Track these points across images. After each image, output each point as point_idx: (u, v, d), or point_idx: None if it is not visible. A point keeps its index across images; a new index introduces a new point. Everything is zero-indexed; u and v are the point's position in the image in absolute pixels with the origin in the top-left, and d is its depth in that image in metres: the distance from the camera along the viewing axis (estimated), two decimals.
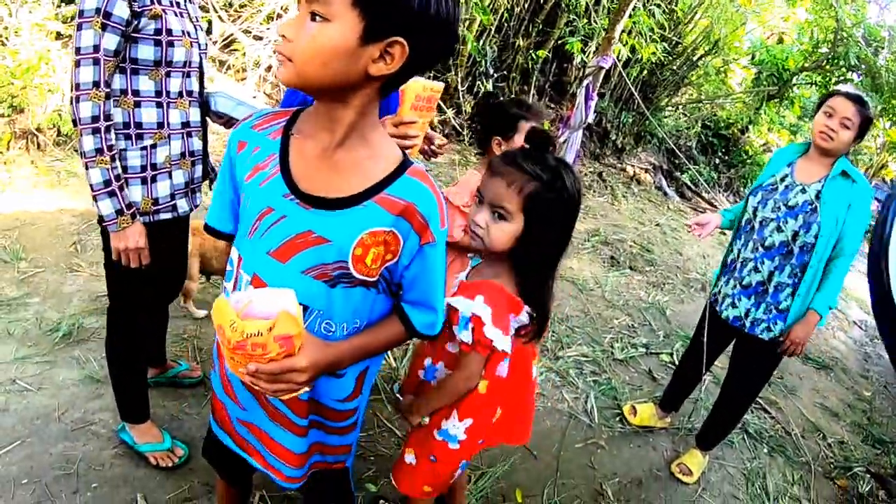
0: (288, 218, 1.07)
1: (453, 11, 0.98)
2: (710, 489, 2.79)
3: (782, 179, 2.44)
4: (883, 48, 7.68)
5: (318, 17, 0.92)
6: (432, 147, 1.93)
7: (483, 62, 6.86)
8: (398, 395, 1.78)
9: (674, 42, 8.38)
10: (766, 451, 3.18)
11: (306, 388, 1.09)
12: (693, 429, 3.11)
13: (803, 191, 2.35)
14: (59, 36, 4.33)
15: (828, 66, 8.43)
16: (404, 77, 1.03)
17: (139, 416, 2.10)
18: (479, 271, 1.54)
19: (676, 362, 3.71)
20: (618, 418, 3.02)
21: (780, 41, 9.85)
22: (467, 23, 6.52)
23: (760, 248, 2.45)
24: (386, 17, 0.92)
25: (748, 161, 10.21)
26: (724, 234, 7.54)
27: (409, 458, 1.69)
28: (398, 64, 0.96)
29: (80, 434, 2.15)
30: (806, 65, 8.79)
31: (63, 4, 4.46)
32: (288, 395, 1.07)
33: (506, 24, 7.02)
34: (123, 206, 1.69)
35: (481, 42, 6.81)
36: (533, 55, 7.16)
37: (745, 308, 2.51)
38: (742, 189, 10.11)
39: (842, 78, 8.39)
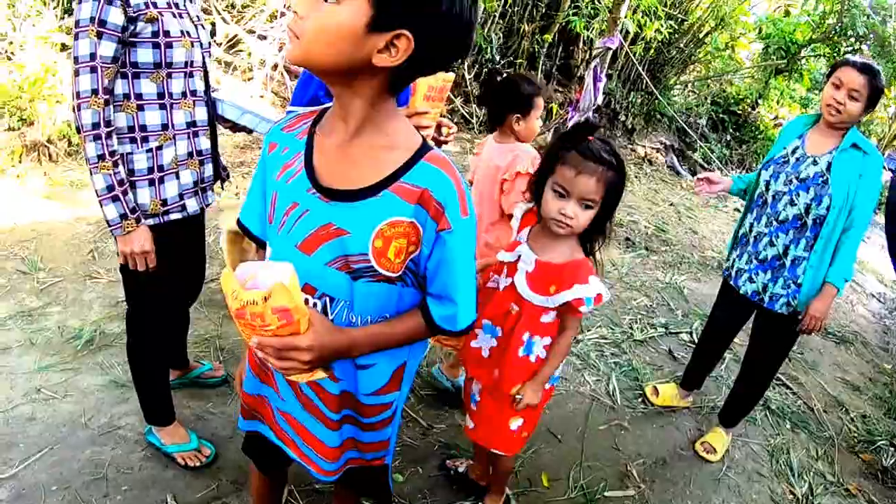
0: (311, 211, 1.09)
1: (468, 11, 0.96)
2: (734, 467, 2.77)
3: (793, 152, 2.42)
4: (890, 17, 7.53)
5: None
6: (441, 136, 1.93)
7: (489, 49, 6.82)
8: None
9: (679, 19, 8.28)
10: (788, 426, 3.15)
11: (323, 375, 1.10)
12: (715, 407, 3.09)
13: (814, 163, 2.33)
14: (64, 47, 4.37)
15: (836, 37, 8.29)
16: (413, 73, 1.02)
17: (165, 419, 2.12)
18: (549, 245, 1.66)
19: (696, 341, 3.68)
20: (640, 399, 3.01)
21: (787, 14, 9.69)
22: None
23: (774, 223, 2.43)
24: (394, 7, 0.92)
25: (759, 136, 10.07)
26: (739, 209, 7.52)
27: (516, 423, 1.84)
28: (402, 58, 0.95)
29: (107, 439, 2.18)
30: (814, 36, 8.64)
31: (66, 16, 4.49)
32: (298, 376, 1.08)
33: (510, 10, 6.97)
34: (127, 210, 1.71)
35: (486, 29, 6.78)
36: (538, 39, 7.11)
37: (762, 282, 2.48)
38: (755, 165, 9.95)
39: (850, 48, 8.26)
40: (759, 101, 10.10)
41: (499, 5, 6.67)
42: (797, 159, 2.39)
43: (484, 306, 1.72)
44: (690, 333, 3.79)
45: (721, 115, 10.06)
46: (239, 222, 1.30)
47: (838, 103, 2.26)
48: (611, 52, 4.76)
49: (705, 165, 8.87)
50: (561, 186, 1.54)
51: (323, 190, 1.08)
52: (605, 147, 1.54)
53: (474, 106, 6.74)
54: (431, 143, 1.92)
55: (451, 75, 1.80)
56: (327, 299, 1.14)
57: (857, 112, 2.25)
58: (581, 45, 7.42)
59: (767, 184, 2.45)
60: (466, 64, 6.69)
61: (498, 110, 2.25)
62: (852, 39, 8.10)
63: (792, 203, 2.36)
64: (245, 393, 1.40)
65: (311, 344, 1.03)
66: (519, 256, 1.68)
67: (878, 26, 7.49)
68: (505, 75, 2.32)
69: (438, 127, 1.99)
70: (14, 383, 2.37)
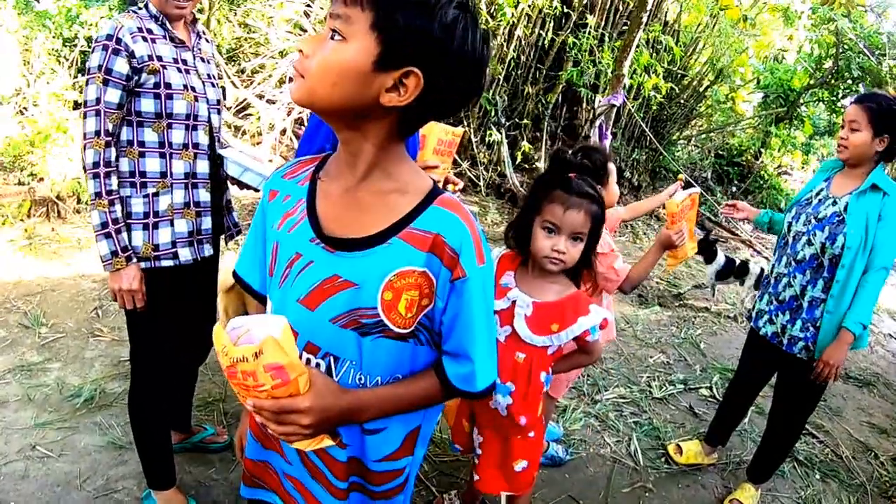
0: (315, 263, 1.02)
1: (480, 50, 0.93)
2: None
3: (818, 193, 2.40)
4: (884, 55, 7.62)
5: (336, 36, 0.89)
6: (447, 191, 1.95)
7: (493, 111, 6.93)
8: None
9: (679, 75, 8.43)
10: (818, 477, 3.02)
11: (330, 442, 1.00)
12: (742, 462, 2.97)
13: (834, 203, 2.30)
14: (76, 105, 4.44)
15: (833, 81, 8.41)
16: (422, 115, 0.97)
17: (165, 482, 2.04)
18: (541, 285, 1.67)
19: (717, 396, 3.57)
20: (663, 459, 2.87)
21: (779, 59, 9.86)
22: None
23: (793, 263, 2.38)
24: (403, 44, 0.88)
25: (764, 186, 10.11)
26: (748, 260, 7.42)
27: (521, 465, 1.81)
28: (411, 96, 0.90)
29: (102, 502, 2.09)
30: (811, 82, 8.77)
31: (80, 75, 4.60)
32: (301, 443, 0.98)
33: (513, 73, 7.11)
34: (119, 247, 1.75)
35: (491, 92, 6.90)
36: (542, 100, 7.23)
37: (781, 324, 2.42)
38: None
39: (847, 90, 8.36)
40: (762, 151, 10.17)
41: (503, 68, 6.81)
42: (819, 200, 2.36)
43: None
44: (710, 388, 3.66)
45: (725, 168, 10.13)
46: (235, 275, 1.23)
47: (842, 139, 2.27)
48: (615, 110, 4.81)
49: (712, 218, 8.85)
50: (551, 223, 1.59)
51: (327, 240, 1.01)
52: (586, 182, 1.62)
53: (482, 169, 6.79)
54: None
55: (460, 130, 1.82)
56: (332, 359, 1.04)
57: (861, 142, 2.22)
58: (585, 104, 7.53)
59: (790, 225, 2.42)
60: (472, 127, 6.78)
61: None
62: (849, 81, 8.20)
63: (809, 243, 2.32)
64: (247, 459, 1.29)
65: (311, 406, 0.93)
66: (513, 302, 1.65)
67: (873, 66, 7.58)
68: (570, 154, 2.37)
69: (445, 182, 1.98)
70: (9, 439, 2.30)
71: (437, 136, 1.75)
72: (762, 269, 5.38)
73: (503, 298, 1.66)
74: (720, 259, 4.94)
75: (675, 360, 3.99)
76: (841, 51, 7.81)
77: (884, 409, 3.94)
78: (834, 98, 8.67)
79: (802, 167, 12.12)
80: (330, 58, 0.89)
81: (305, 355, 1.04)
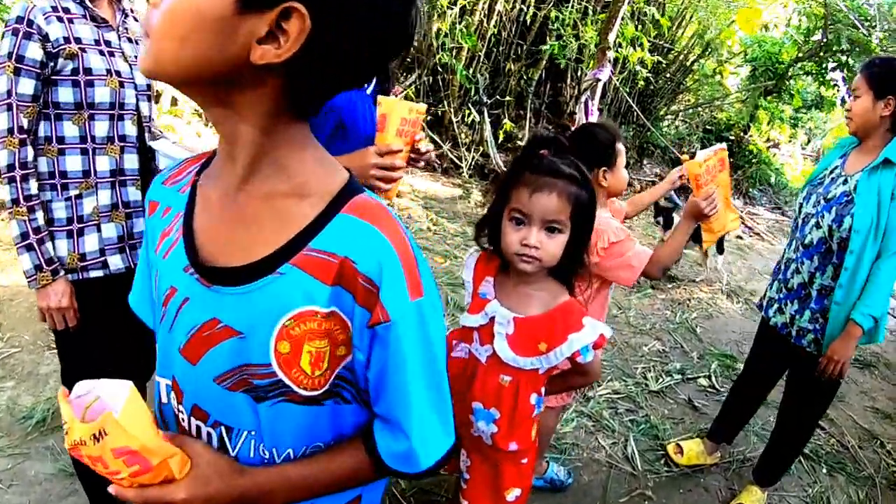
0: (191, 301, 0.75)
1: None
2: None
3: (831, 172, 2.20)
4: (874, 27, 7.44)
5: None
6: (417, 152, 1.68)
7: (475, 90, 6.70)
8: None
9: (665, 49, 8.22)
10: (825, 471, 2.88)
11: None
12: (746, 460, 2.81)
13: (845, 181, 2.10)
14: None
15: (822, 53, 8.24)
16: (321, 79, 0.67)
17: None
18: (523, 295, 1.41)
19: (716, 386, 3.41)
20: (663, 461, 2.70)
21: (766, 28, 9.68)
22: (454, 51, 6.39)
23: (801, 247, 2.20)
24: None
25: (754, 161, 9.98)
26: (741, 237, 7.32)
27: (513, 494, 1.57)
28: (294, 46, 0.61)
29: None
30: (800, 55, 8.60)
31: None
32: None
33: (494, 50, 6.88)
34: (42, 261, 1.57)
35: (471, 70, 6.66)
36: (525, 77, 7.00)
37: (790, 314, 2.24)
38: (751, 189, 9.86)
39: (836, 63, 8.19)
40: (751, 125, 10.04)
41: (483, 45, 6.56)
42: (832, 179, 2.17)
43: (462, 382, 1.45)
44: (709, 377, 3.50)
45: (713, 142, 9.95)
46: (130, 308, 1.00)
47: (847, 111, 2.11)
48: (601, 85, 4.60)
49: None
50: (518, 212, 1.31)
51: (202, 269, 0.73)
52: (563, 160, 1.32)
53: (464, 150, 6.58)
54: (393, 195, 1.69)
55: (423, 106, 1.59)
56: (223, 429, 0.78)
57: (863, 108, 2.04)
58: (569, 80, 7.31)
59: (801, 206, 2.24)
60: (452, 107, 6.56)
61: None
62: (838, 54, 8.03)
63: (817, 226, 2.13)
64: None
65: (189, 497, 0.70)
66: (492, 318, 1.40)
67: (862, 38, 7.40)
68: (576, 128, 2.08)
69: (414, 152, 1.70)
70: None
71: (400, 114, 1.52)
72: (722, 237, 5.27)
73: (480, 313, 1.42)
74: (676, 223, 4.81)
75: (671, 348, 3.82)
76: (830, 23, 7.61)
77: (886, 392, 3.81)
78: (822, 70, 8.51)
79: (790, 141, 12.01)
80: (176, 3, 0.61)
81: (195, 422, 0.79)
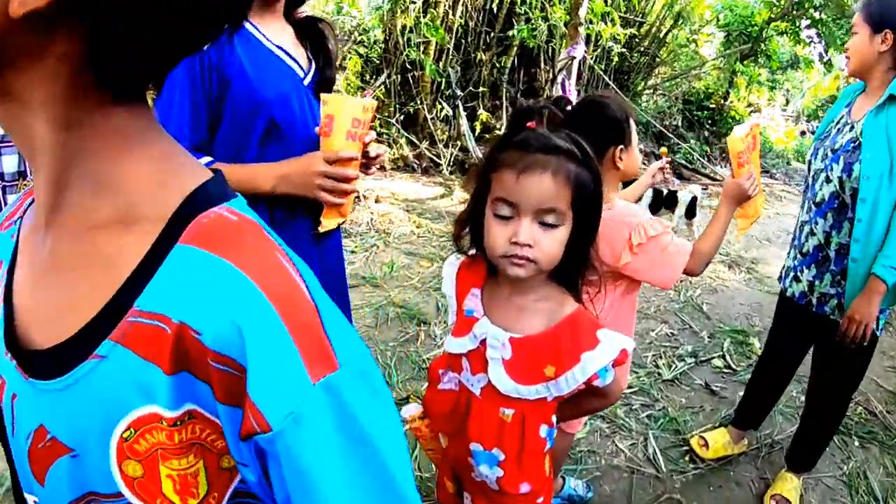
0: (19, 398, 0.50)
1: None
2: None
3: (837, 123, 2.01)
4: None
5: None
6: (367, 157, 1.45)
7: (446, 84, 6.49)
8: None
9: (637, 23, 8.04)
10: (857, 444, 2.70)
11: None
12: (774, 443, 2.62)
13: (851, 128, 1.91)
14: None
15: (795, 12, 8.11)
16: (130, 38, 0.43)
17: None
18: (519, 308, 1.13)
19: (732, 365, 3.22)
20: (688, 457, 2.49)
21: None
22: (422, 46, 6.18)
23: (813, 207, 2.01)
24: None
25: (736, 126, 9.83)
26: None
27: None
28: None
29: None
30: (772, 15, 8.46)
31: None
32: None
33: (463, 41, 6.68)
34: None
35: (441, 64, 6.46)
36: (497, 64, 6.80)
37: (807, 280, 2.05)
38: None
39: (810, 21, 8.06)
40: (730, 92, 9.93)
41: (451, 38, 6.36)
42: (838, 129, 1.98)
43: (455, 420, 1.21)
44: (724, 357, 3.30)
45: (695, 113, 9.88)
46: None
47: (846, 49, 1.95)
48: (576, 63, 4.40)
49: (689, 166, 8.54)
50: (503, 202, 1.03)
51: (20, 353, 0.50)
52: (557, 132, 1.05)
53: (442, 147, 6.37)
54: (346, 211, 1.42)
55: (373, 102, 1.37)
56: None
57: (860, 43, 1.87)
58: (543, 63, 7.11)
59: (810, 164, 2.05)
60: (425, 104, 6.36)
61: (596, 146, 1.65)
62: (811, 11, 7.90)
63: (827, 180, 1.94)
64: None
65: None
66: (482, 340, 1.12)
67: None
68: (580, 101, 1.73)
69: (367, 157, 1.46)
70: None
71: (351, 114, 1.30)
72: (694, 198, 5.14)
73: (468, 335, 1.14)
74: (647, 192, 4.75)
75: (680, 330, 3.62)
76: None
77: None
78: (796, 29, 8.39)
79: (769, 104, 11.92)
80: None
81: None
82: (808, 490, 2.39)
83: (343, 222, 1.46)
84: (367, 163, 1.45)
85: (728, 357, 3.29)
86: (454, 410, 1.19)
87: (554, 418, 1.16)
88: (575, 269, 1.11)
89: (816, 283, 2.02)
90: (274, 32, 1.33)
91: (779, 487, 2.31)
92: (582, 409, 1.28)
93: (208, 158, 1.27)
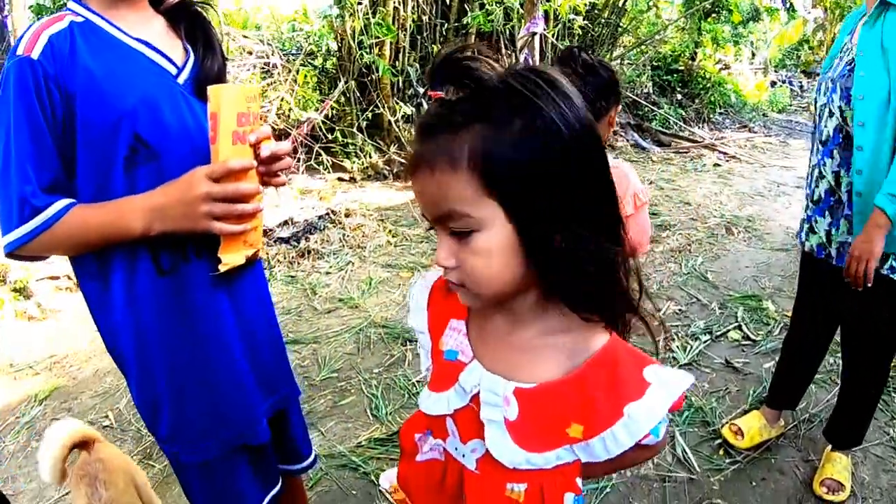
0: None
1: None
2: (869, 493, 2.04)
3: (841, 52, 1.77)
4: None
5: None
6: (262, 160, 1.09)
7: (405, 83, 6.22)
8: None
9: None
10: None
11: None
12: (811, 417, 2.36)
13: (849, 52, 1.69)
14: None
15: None
16: None
17: None
18: (527, 344, 0.79)
19: (750, 335, 2.95)
20: (722, 451, 2.20)
21: None
22: (377, 48, 5.91)
23: (820, 147, 1.78)
24: None
25: (709, 86, 9.68)
26: (718, 164, 6.93)
27: None
28: None
29: None
30: None
31: None
32: None
33: (419, 37, 6.41)
34: None
35: (399, 63, 6.19)
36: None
37: (824, 230, 1.79)
38: (712, 116, 9.59)
39: None
40: (696, 52, 9.73)
41: (405, 35, 6.09)
42: (840, 59, 1.74)
43: (441, 500, 0.89)
44: (740, 327, 3.03)
45: (665, 77, 9.71)
46: None
47: None
48: (538, 39, 4.13)
49: (666, 132, 8.31)
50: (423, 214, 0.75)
51: None
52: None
53: (410, 148, 6.09)
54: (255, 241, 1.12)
55: (257, 87, 1.07)
56: None
57: None
58: (503, 47, 6.85)
59: (816, 102, 1.81)
60: (388, 106, 6.08)
61: (595, 105, 1.44)
62: None
63: (830, 114, 1.71)
64: None
65: None
66: (474, 395, 0.80)
67: None
68: (566, 53, 1.55)
69: (271, 162, 1.12)
70: None
71: (235, 108, 0.98)
72: None
73: (452, 389, 0.83)
74: None
75: (688, 304, 3.35)
76: None
77: None
78: None
79: (736, 59, 11.76)
80: None
81: None
82: (857, 465, 2.14)
83: (255, 254, 1.14)
84: (268, 170, 1.11)
85: (744, 327, 3.03)
86: (441, 489, 0.88)
87: (579, 482, 0.82)
88: (586, 285, 0.71)
89: (833, 231, 1.78)
90: (132, 24, 1.04)
91: (828, 470, 2.05)
92: (617, 466, 0.86)
93: (67, 201, 0.98)
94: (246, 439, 1.22)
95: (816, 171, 1.82)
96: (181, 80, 1.08)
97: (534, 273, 0.71)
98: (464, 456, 0.83)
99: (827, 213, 1.79)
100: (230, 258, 1.07)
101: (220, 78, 1.12)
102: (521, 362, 0.78)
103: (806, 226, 1.90)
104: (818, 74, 1.76)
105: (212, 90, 0.98)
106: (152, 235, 1.00)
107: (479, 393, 0.79)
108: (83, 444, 1.57)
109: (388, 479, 1.01)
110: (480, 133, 0.65)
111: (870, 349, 1.89)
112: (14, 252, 1.01)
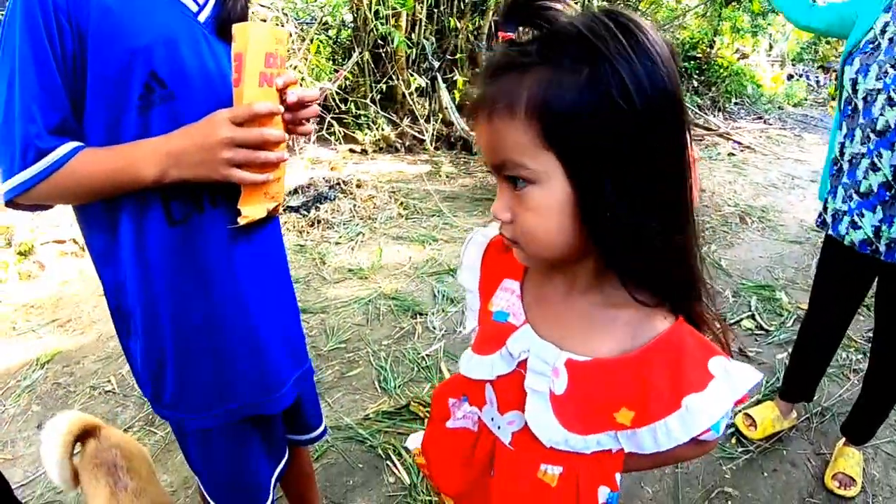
0: None
1: None
2: (880, 490, 2.02)
3: (883, 32, 1.65)
4: None
5: None
6: (289, 108, 1.03)
7: (420, 56, 6.12)
8: None
9: None
10: None
11: None
12: (824, 411, 2.33)
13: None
14: None
15: None
16: None
17: None
18: (585, 315, 0.73)
19: (763, 325, 2.92)
20: (734, 439, 2.18)
21: None
22: (393, 19, 5.81)
23: (872, 135, 1.66)
24: None
25: (726, 75, 9.55)
26: (733, 153, 6.85)
27: None
28: None
29: None
30: None
31: None
32: None
33: (436, 11, 6.30)
34: None
35: (415, 36, 6.09)
36: (473, 31, 6.42)
37: (871, 225, 1.71)
38: (727, 105, 9.46)
39: None
40: (715, 39, 9.59)
41: (422, 7, 5.97)
42: (890, 40, 1.62)
43: (472, 472, 0.85)
44: (753, 317, 3.00)
45: (682, 64, 9.54)
46: None
47: None
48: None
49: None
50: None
51: None
52: (538, 36, 0.63)
53: (423, 122, 6.01)
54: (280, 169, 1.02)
55: (285, 31, 1.01)
56: None
57: None
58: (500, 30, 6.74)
59: (854, 82, 1.69)
60: (402, 79, 5.99)
61: None
62: None
63: (891, 102, 1.59)
64: None
65: None
66: (521, 362, 0.75)
67: None
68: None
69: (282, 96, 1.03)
70: None
71: (263, 48, 0.92)
72: None
73: (499, 352, 0.77)
74: None
75: None
76: None
77: None
78: None
79: (754, 49, 11.58)
80: None
81: None
82: (868, 462, 2.11)
83: (276, 209, 1.07)
84: (294, 117, 1.05)
85: (758, 317, 2.99)
86: (468, 461, 0.84)
87: (618, 477, 0.78)
88: (642, 263, 0.66)
89: (885, 227, 1.68)
90: None
91: (840, 465, 2.02)
92: (662, 461, 0.81)
93: (74, 144, 0.91)
94: (261, 409, 1.16)
95: (866, 161, 1.69)
96: (202, 17, 1.00)
97: (590, 240, 0.65)
98: (499, 428, 0.79)
99: (879, 207, 1.69)
100: (250, 210, 1.00)
101: (243, 18, 1.03)
102: (577, 332, 0.73)
103: (847, 219, 1.78)
104: (835, 70, 1.66)
105: (238, 28, 0.91)
106: (166, 183, 0.94)
107: (526, 360, 0.74)
108: (87, 435, 1.40)
109: (415, 441, 0.96)
110: (543, 79, 0.60)
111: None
112: (15, 199, 0.93)
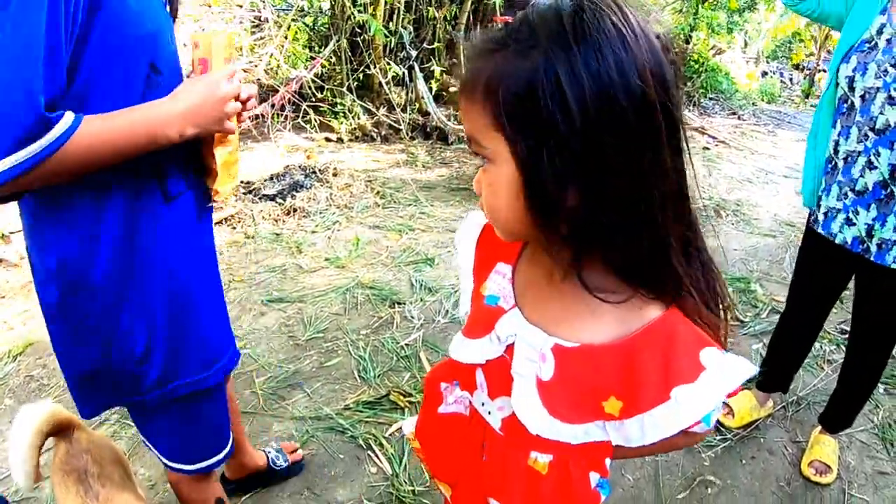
0: None
1: None
2: (854, 477, 2.06)
3: (880, 32, 1.65)
4: None
5: None
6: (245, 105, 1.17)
7: (398, 45, 6.06)
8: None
9: None
10: (881, 390, 2.47)
11: None
12: (799, 400, 2.36)
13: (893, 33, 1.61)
14: None
15: None
16: None
17: None
18: (577, 299, 0.69)
19: (740, 317, 2.94)
20: (714, 429, 2.21)
21: None
22: (371, 8, 5.74)
23: (870, 134, 1.65)
24: None
25: (701, 70, 9.65)
26: (707, 148, 6.93)
27: None
28: None
29: None
30: None
31: None
32: None
33: (414, 0, 6.24)
34: None
35: (393, 24, 6.02)
36: (451, 21, 6.38)
37: (865, 224, 1.71)
38: (703, 100, 9.56)
39: None
40: (692, 35, 9.68)
41: None
42: (888, 41, 1.62)
43: (464, 456, 0.83)
44: (735, 308, 3.03)
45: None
46: None
47: None
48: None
49: None
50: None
51: None
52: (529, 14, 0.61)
53: (400, 112, 5.96)
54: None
55: (233, 35, 1.15)
56: None
57: None
58: (500, 14, 6.71)
59: (851, 80, 1.68)
60: (378, 67, 5.92)
61: None
62: None
63: (891, 101, 1.59)
64: None
65: None
66: (509, 345, 0.74)
67: None
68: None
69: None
70: None
71: (223, 54, 1.07)
72: None
73: (488, 336, 0.76)
74: None
75: None
76: None
77: None
78: None
79: (729, 47, 11.74)
80: None
81: None
82: (843, 450, 2.15)
83: (233, 187, 1.20)
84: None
85: (737, 310, 3.01)
86: (460, 443, 0.82)
87: (608, 462, 0.76)
88: (612, 255, 0.64)
89: (876, 226, 1.69)
90: None
91: (816, 452, 2.05)
92: (649, 449, 0.75)
93: (72, 114, 0.85)
94: (233, 361, 1.30)
95: (863, 158, 1.69)
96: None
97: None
98: (489, 413, 0.77)
99: (873, 206, 1.69)
100: (224, 188, 1.14)
101: (175, 16, 1.13)
102: (566, 317, 0.70)
103: (842, 216, 1.77)
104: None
105: (202, 38, 1.04)
106: (180, 142, 0.98)
107: (514, 344, 0.72)
108: (59, 432, 1.32)
109: (409, 425, 0.94)
110: (499, 62, 0.60)
111: (881, 341, 1.89)
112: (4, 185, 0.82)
